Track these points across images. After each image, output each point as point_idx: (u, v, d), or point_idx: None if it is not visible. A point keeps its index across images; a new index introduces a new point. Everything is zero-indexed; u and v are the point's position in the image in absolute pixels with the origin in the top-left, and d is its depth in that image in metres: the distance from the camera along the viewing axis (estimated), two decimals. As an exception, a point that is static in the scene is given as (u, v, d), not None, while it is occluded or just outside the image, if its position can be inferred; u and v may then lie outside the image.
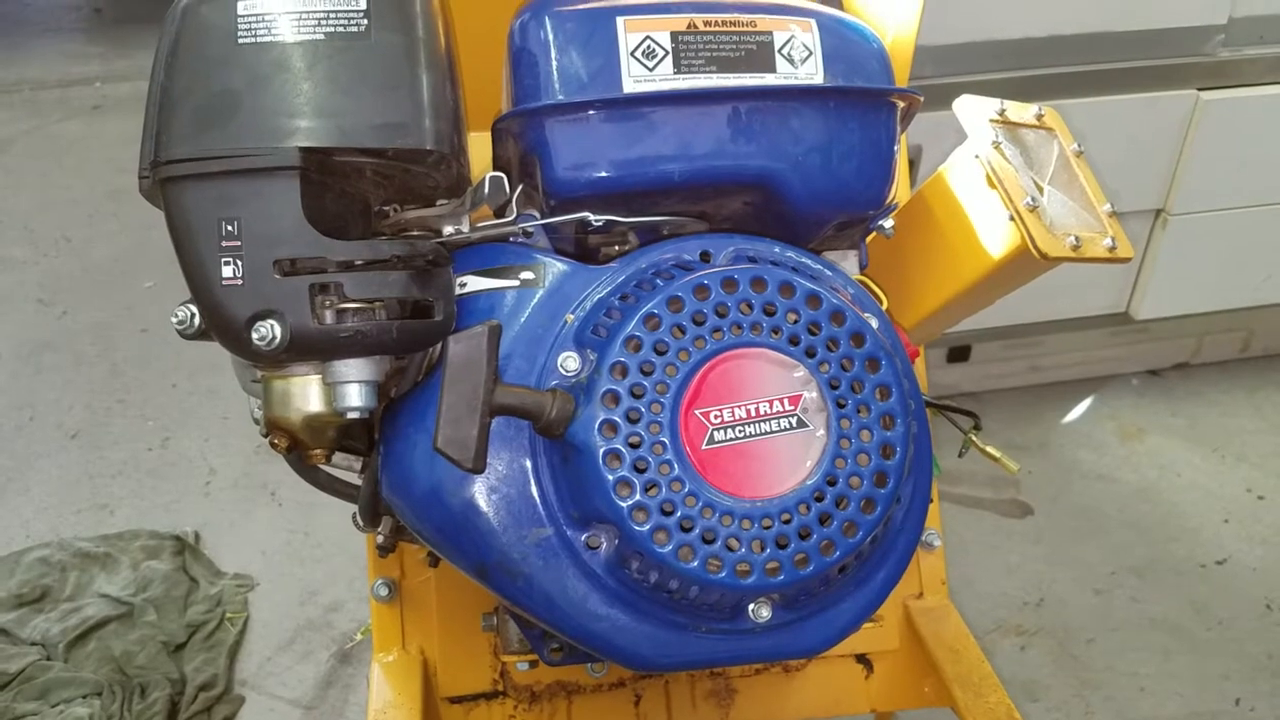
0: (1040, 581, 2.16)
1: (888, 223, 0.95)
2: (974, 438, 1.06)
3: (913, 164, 1.85)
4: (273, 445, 0.83)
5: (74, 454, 2.48)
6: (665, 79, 0.84)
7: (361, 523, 0.92)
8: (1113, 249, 0.97)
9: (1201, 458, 2.45)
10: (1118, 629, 2.05)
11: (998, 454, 1.06)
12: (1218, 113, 2.12)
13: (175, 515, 2.31)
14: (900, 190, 1.08)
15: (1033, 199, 0.94)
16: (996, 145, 0.96)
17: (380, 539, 0.95)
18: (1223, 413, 2.58)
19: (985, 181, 0.96)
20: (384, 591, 1.14)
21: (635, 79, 0.83)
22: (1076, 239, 0.95)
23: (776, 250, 0.85)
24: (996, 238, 0.96)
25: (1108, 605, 2.10)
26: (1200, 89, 2.11)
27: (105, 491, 2.38)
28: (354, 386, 0.78)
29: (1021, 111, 1.02)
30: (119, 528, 2.25)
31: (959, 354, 2.49)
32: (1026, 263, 0.94)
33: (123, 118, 4.11)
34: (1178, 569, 2.18)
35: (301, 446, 0.84)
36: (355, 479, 0.91)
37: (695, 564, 0.73)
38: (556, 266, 0.84)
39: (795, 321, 0.77)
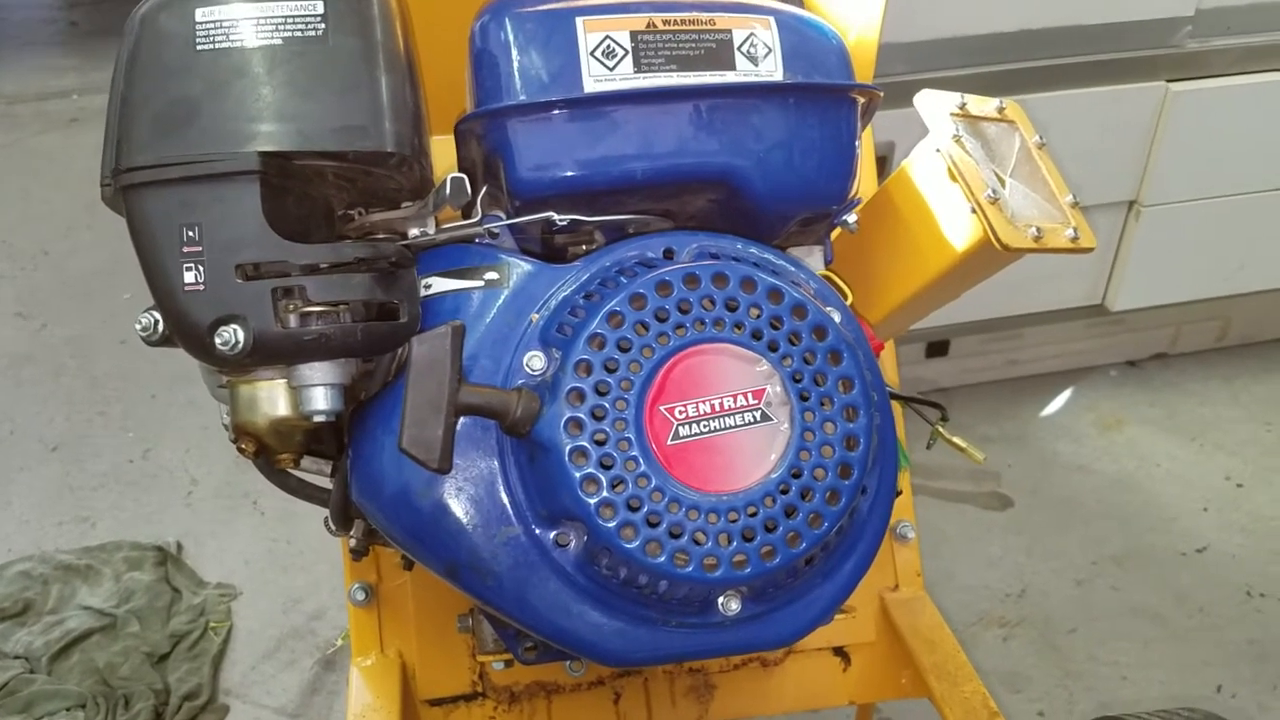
0: (1021, 573, 2.17)
1: (851, 218, 0.95)
2: (940, 429, 1.07)
3: (884, 160, 1.86)
4: (241, 450, 0.83)
5: (55, 467, 2.48)
6: (625, 78, 0.84)
7: (333, 527, 0.92)
8: (1075, 239, 0.98)
9: (1180, 447, 2.47)
10: (1099, 619, 2.06)
11: (964, 444, 1.07)
12: (1187, 104, 2.14)
13: (157, 526, 2.30)
14: (866, 186, 1.08)
15: (994, 191, 0.94)
16: (957, 139, 0.97)
17: (353, 543, 0.96)
18: (1200, 402, 2.60)
19: (947, 175, 0.97)
20: (361, 595, 1.14)
21: (596, 78, 0.84)
22: (1038, 230, 0.95)
23: (739, 247, 0.86)
24: (959, 230, 0.97)
25: (1089, 595, 2.12)
26: (1169, 80, 2.13)
27: (86, 504, 2.37)
28: (319, 390, 0.79)
29: (982, 105, 1.03)
30: (101, 539, 2.25)
31: (937, 349, 2.50)
32: (989, 255, 0.95)
33: (100, 130, 4.03)
34: (1158, 558, 2.19)
35: (270, 451, 0.84)
36: (326, 483, 0.91)
37: (663, 559, 0.74)
38: (521, 266, 0.84)
39: (757, 316, 0.77)
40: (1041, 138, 1.04)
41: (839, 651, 1.24)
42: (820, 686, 1.23)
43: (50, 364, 2.82)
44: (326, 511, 0.93)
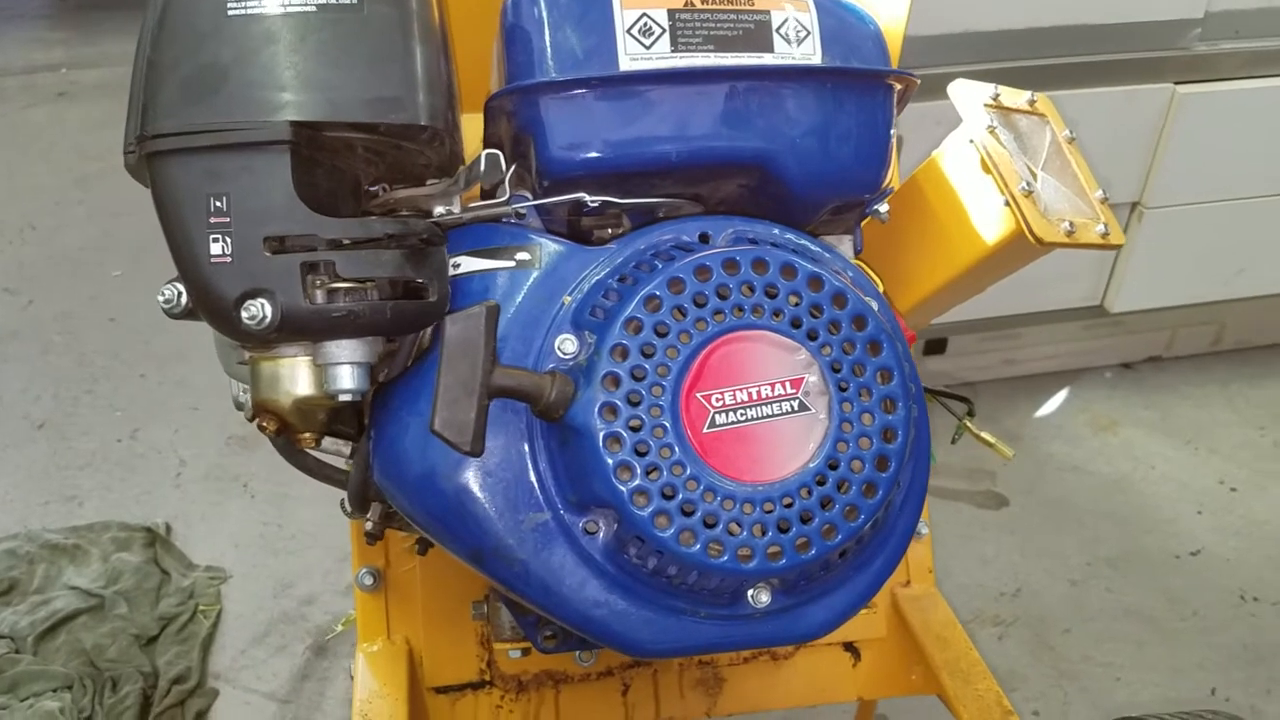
0: (1016, 572, 2.17)
1: (883, 207, 0.94)
2: (968, 423, 1.06)
3: (895, 154, 1.84)
4: (261, 429, 0.81)
5: (41, 445, 2.44)
6: (662, 57, 0.82)
7: (350, 508, 0.90)
8: (1105, 235, 0.97)
9: (1174, 450, 2.48)
10: (1093, 619, 2.06)
11: (992, 439, 1.06)
12: (1193, 107, 2.14)
13: (145, 507, 2.28)
14: (891, 176, 1.07)
15: (1027, 184, 0.93)
16: (992, 130, 0.95)
17: (369, 525, 0.94)
18: (1195, 405, 2.60)
19: (980, 166, 0.96)
20: (369, 580, 1.12)
21: (631, 57, 0.82)
22: (1070, 225, 0.94)
23: (776, 232, 0.84)
24: (991, 223, 0.95)
25: (1083, 596, 2.12)
26: (1176, 83, 2.12)
27: (73, 483, 2.34)
28: (346, 368, 0.77)
29: (1015, 97, 1.02)
30: (88, 519, 2.22)
31: (935, 346, 2.50)
32: (1021, 248, 0.94)
33: (89, 104, 4.05)
34: (1152, 560, 2.19)
35: (290, 430, 0.82)
36: (344, 464, 0.89)
37: (696, 548, 0.72)
38: (552, 247, 0.83)
39: (797, 304, 0.76)
40: (1071, 132, 1.03)
41: (849, 647, 1.23)
42: (829, 682, 1.22)
43: (37, 341, 2.78)
44: (323, 497, 0.91)
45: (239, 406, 0.89)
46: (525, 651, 1.06)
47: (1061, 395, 2.64)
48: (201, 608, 2.01)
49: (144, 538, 2.14)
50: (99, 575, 2.04)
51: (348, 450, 0.89)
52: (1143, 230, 2.29)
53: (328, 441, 0.87)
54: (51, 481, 2.34)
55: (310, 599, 2.06)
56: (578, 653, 1.11)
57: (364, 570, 1.12)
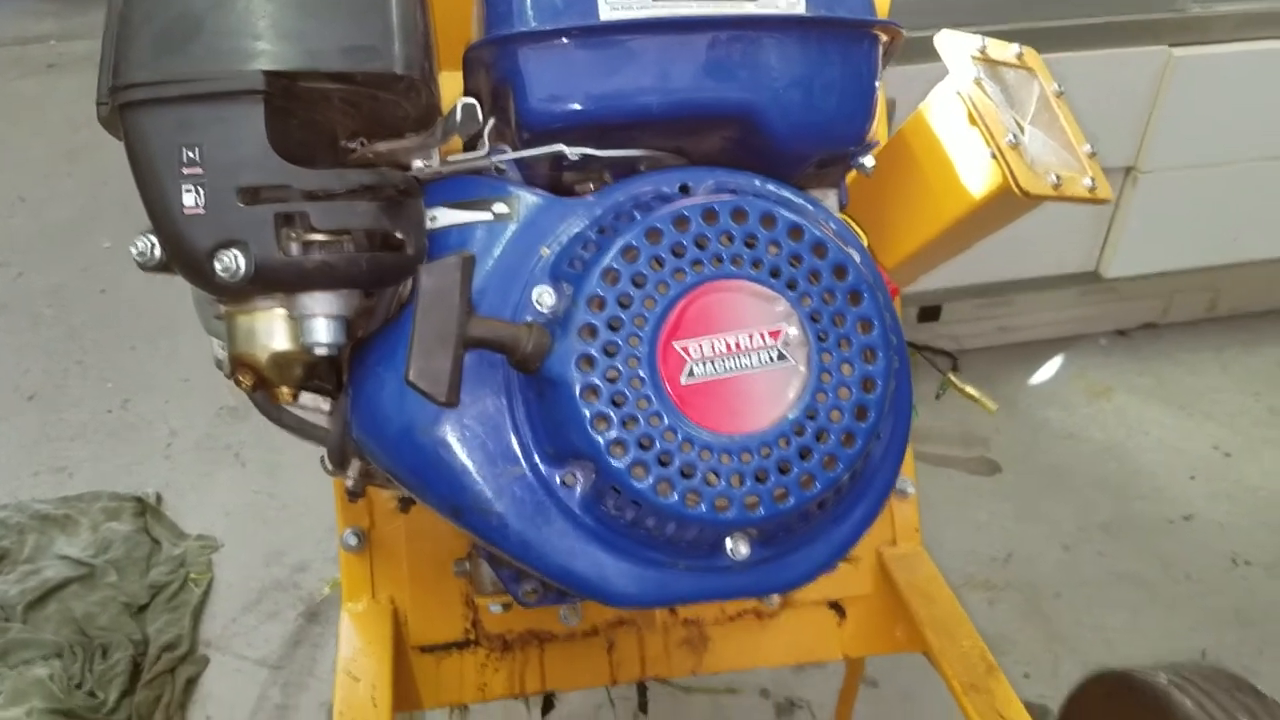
0: (1009, 538, 2.17)
1: (868, 161, 0.93)
2: (952, 377, 1.05)
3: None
4: (237, 384, 0.80)
5: (31, 416, 2.44)
6: (643, 6, 0.81)
7: (330, 466, 0.90)
8: (1092, 189, 0.96)
9: (1168, 416, 2.47)
10: (1086, 584, 2.07)
11: (976, 393, 1.05)
12: (1189, 69, 2.12)
13: (136, 477, 2.28)
14: (878, 132, 1.06)
15: (1014, 136, 0.92)
16: (978, 82, 0.94)
17: (349, 483, 0.93)
18: (1189, 371, 2.60)
19: (966, 119, 0.95)
20: (353, 540, 1.12)
21: (612, 6, 0.81)
22: (1057, 178, 0.94)
23: (758, 183, 0.84)
24: (978, 175, 0.94)
25: (1076, 561, 2.12)
26: (1172, 45, 2.11)
27: (64, 454, 2.34)
28: (321, 321, 0.76)
29: (1002, 50, 1.01)
30: (78, 490, 2.22)
31: (929, 313, 2.49)
32: (1007, 201, 0.93)
33: (79, 76, 4.02)
34: (1145, 525, 2.20)
35: (268, 385, 0.81)
36: (324, 420, 0.89)
37: (674, 499, 0.72)
38: (530, 200, 0.82)
39: (777, 254, 0.75)
40: (1060, 86, 1.02)
41: (834, 605, 1.22)
42: (815, 640, 1.22)
43: (27, 313, 2.77)
44: (315, 466, 0.91)
45: (219, 365, 0.88)
46: (507, 606, 1.06)
47: (1056, 362, 2.64)
48: (192, 576, 2.01)
49: (134, 507, 2.14)
50: (89, 545, 2.04)
51: (327, 406, 0.88)
52: (1137, 195, 2.27)
53: (307, 398, 0.86)
54: (42, 452, 2.34)
55: (302, 566, 2.06)
56: (562, 611, 1.11)
57: (349, 530, 1.12)
